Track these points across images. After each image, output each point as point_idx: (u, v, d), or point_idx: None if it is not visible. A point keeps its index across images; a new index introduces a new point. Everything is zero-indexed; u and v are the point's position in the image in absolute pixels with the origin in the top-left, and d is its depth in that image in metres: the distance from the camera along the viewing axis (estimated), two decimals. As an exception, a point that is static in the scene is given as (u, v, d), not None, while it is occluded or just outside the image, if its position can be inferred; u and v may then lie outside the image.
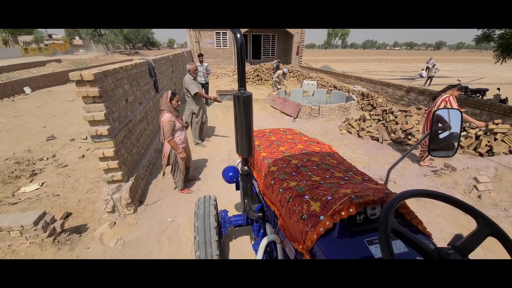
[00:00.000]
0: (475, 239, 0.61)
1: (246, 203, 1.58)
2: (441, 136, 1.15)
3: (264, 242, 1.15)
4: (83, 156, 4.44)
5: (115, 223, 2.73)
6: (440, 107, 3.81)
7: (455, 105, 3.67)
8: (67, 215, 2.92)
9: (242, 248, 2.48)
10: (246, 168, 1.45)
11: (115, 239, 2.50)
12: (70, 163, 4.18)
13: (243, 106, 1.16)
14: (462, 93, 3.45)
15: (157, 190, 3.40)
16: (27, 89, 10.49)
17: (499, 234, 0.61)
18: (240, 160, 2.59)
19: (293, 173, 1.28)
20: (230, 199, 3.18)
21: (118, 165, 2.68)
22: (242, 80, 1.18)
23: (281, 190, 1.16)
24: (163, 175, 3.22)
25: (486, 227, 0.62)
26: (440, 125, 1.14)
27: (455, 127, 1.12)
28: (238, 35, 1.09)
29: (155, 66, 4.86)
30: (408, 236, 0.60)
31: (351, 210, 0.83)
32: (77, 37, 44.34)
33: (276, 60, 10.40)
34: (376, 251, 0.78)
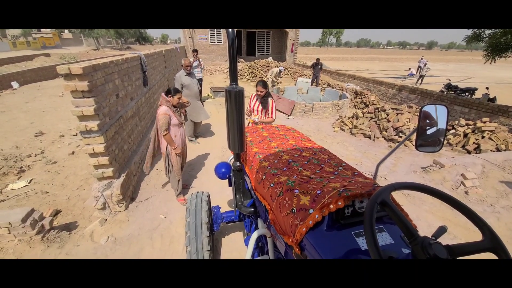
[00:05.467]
0: (473, 248, 0.60)
1: (238, 198, 1.58)
2: (428, 132, 1.17)
3: (254, 236, 1.16)
4: (73, 152, 4.35)
5: (106, 220, 2.70)
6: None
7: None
8: (56, 213, 2.87)
9: (235, 244, 2.49)
10: (238, 163, 1.45)
11: (106, 236, 2.47)
12: (60, 160, 4.09)
13: (235, 101, 1.15)
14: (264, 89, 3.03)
15: (149, 187, 3.37)
16: (14, 84, 10.17)
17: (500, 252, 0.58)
18: (232, 156, 2.59)
19: (284, 168, 1.28)
20: (223, 195, 3.17)
21: (108, 161, 2.63)
22: (233, 75, 1.18)
23: (272, 185, 1.16)
24: (148, 170, 2.98)
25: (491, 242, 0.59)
26: (427, 121, 1.16)
27: (442, 123, 1.14)
28: (230, 30, 1.08)
29: (147, 61, 4.78)
30: (397, 213, 0.61)
31: (339, 203, 0.84)
32: (66, 31, 43.06)
33: (278, 68, 10.10)
34: (363, 243, 0.79)
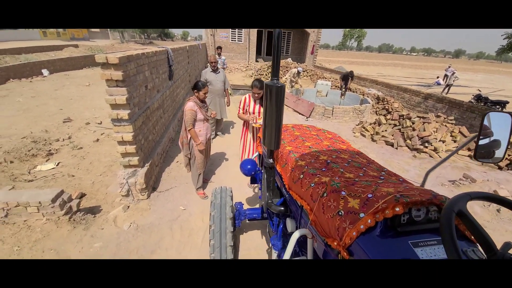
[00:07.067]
0: None
1: (268, 196, 1.55)
2: (480, 142, 1.08)
3: (296, 235, 1.12)
4: (98, 140, 4.50)
5: (128, 207, 2.76)
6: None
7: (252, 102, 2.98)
8: (82, 196, 2.97)
9: (253, 242, 2.47)
10: (271, 160, 1.43)
11: (129, 223, 2.52)
12: (85, 146, 4.24)
13: (275, 97, 1.13)
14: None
15: (170, 178, 3.42)
16: (45, 71, 10.72)
17: None
18: (257, 153, 2.56)
19: (323, 169, 1.24)
20: (242, 192, 3.16)
21: (135, 150, 2.69)
22: (276, 70, 1.15)
23: (312, 185, 1.12)
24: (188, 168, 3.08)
25: None
26: (485, 130, 1.07)
27: (499, 134, 1.04)
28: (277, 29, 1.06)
29: (173, 55, 4.86)
30: (475, 224, 0.56)
31: (397, 209, 0.79)
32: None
33: (296, 68, 9.76)
34: (422, 253, 0.74)
